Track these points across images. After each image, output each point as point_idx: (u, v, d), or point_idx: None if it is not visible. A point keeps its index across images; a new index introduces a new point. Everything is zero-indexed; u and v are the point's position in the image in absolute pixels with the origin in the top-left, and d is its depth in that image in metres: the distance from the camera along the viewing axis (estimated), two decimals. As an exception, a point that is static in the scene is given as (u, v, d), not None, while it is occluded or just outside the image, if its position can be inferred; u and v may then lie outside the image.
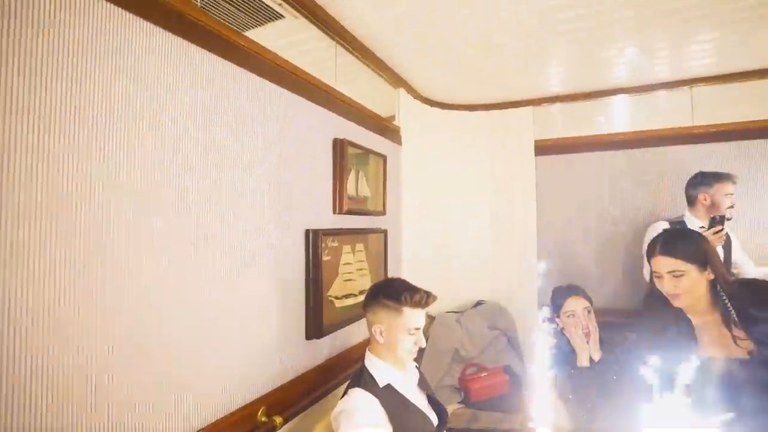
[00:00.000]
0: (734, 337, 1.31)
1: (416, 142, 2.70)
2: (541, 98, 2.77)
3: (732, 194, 2.20)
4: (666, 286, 1.37)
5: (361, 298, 2.01)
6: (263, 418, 1.33)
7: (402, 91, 2.55)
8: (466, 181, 2.99)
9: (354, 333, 1.97)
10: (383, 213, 2.23)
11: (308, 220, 1.65)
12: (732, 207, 2.20)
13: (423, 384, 1.45)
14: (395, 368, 1.35)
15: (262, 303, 1.38)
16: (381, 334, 1.34)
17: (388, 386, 1.31)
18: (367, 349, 1.41)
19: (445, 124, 2.91)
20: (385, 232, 2.23)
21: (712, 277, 1.34)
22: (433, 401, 1.43)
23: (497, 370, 2.39)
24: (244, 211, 1.31)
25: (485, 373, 2.34)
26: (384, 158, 2.26)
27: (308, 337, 1.61)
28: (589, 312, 1.69)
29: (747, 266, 2.30)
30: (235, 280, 1.26)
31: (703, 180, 2.25)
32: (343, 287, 1.85)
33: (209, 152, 1.19)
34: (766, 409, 1.22)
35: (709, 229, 2.04)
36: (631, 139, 2.65)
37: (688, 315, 1.41)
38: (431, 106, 2.82)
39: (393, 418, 1.24)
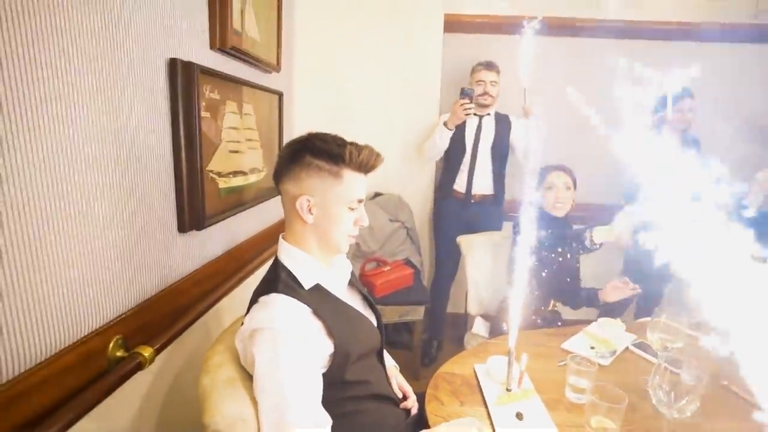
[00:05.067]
0: None
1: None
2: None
3: (483, 81, 2.24)
4: None
5: (254, 178, 1.49)
6: (118, 353, 0.83)
7: None
8: (365, 53, 2.49)
9: (244, 225, 1.47)
10: (277, 68, 1.63)
11: (172, 47, 1.01)
12: (486, 94, 2.24)
13: (355, 281, 1.10)
14: (322, 263, 0.96)
15: (93, 181, 0.79)
16: (310, 210, 0.90)
17: (317, 287, 0.92)
18: (281, 239, 0.96)
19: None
20: (280, 95, 1.66)
21: None
22: (368, 302, 1.10)
23: (399, 263, 2.22)
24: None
25: (388, 268, 2.15)
26: (277, -11, 1.60)
27: (183, 229, 1.08)
28: (568, 189, 1.58)
29: (519, 151, 2.27)
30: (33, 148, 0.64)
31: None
32: (227, 161, 1.29)
33: None
34: None
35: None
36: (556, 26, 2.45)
37: None
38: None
39: (333, 330, 0.87)
